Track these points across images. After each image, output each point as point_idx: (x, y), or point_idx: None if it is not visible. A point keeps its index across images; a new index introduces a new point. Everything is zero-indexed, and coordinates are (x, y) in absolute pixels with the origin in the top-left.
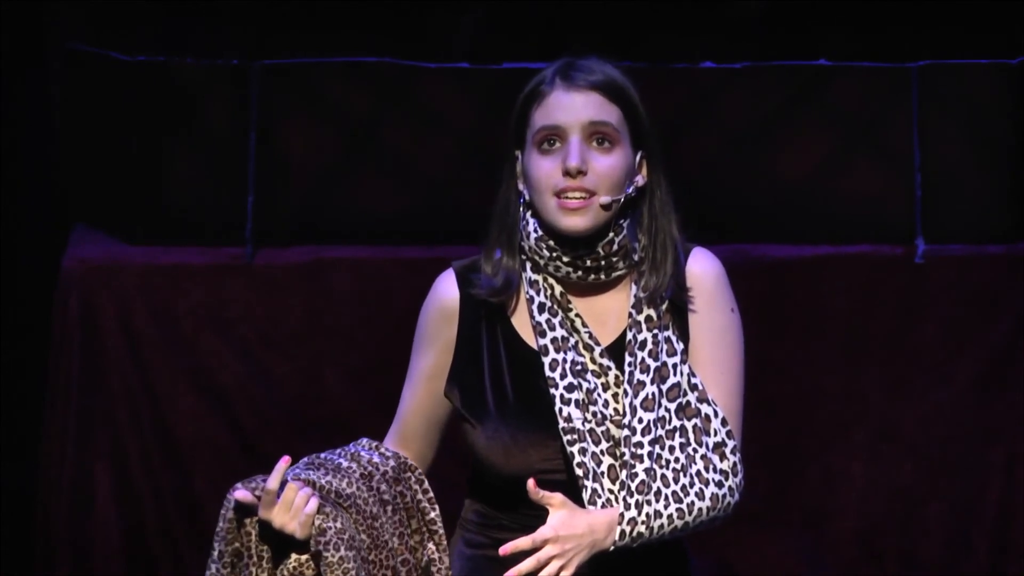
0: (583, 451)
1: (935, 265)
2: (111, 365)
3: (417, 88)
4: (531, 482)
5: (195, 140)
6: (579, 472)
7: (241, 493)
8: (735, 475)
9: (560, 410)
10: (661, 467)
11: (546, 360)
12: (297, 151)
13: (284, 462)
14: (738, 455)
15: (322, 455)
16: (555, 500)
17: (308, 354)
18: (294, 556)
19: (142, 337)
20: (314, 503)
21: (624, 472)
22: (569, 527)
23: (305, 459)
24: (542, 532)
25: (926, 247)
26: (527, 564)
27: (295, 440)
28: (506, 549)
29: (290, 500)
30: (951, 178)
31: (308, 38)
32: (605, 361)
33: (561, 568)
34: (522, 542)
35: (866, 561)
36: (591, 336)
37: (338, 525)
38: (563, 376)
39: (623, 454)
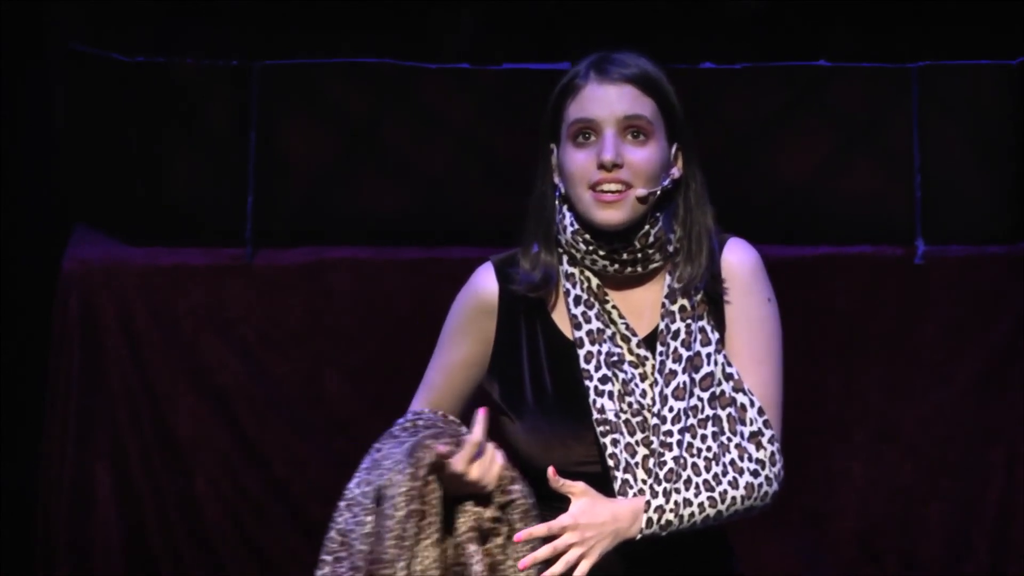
0: (615, 442)
1: (935, 266)
2: (111, 365)
3: (417, 88)
4: (551, 470)
5: (195, 140)
6: (610, 463)
7: (445, 448)
8: (773, 464)
9: (594, 401)
10: (692, 456)
11: (581, 352)
12: (297, 152)
13: (484, 412)
14: (776, 445)
15: (420, 421)
16: (576, 489)
17: (308, 354)
18: (471, 509)
19: (142, 337)
20: (500, 455)
21: (652, 460)
22: (590, 515)
23: (400, 422)
24: (560, 520)
25: (926, 248)
26: (543, 551)
27: (295, 440)
28: (521, 536)
29: (485, 452)
30: (951, 179)
31: (308, 38)
32: (642, 351)
33: (581, 556)
34: (538, 529)
35: (866, 561)
36: (628, 327)
37: (518, 474)
38: (598, 368)
39: (651, 442)
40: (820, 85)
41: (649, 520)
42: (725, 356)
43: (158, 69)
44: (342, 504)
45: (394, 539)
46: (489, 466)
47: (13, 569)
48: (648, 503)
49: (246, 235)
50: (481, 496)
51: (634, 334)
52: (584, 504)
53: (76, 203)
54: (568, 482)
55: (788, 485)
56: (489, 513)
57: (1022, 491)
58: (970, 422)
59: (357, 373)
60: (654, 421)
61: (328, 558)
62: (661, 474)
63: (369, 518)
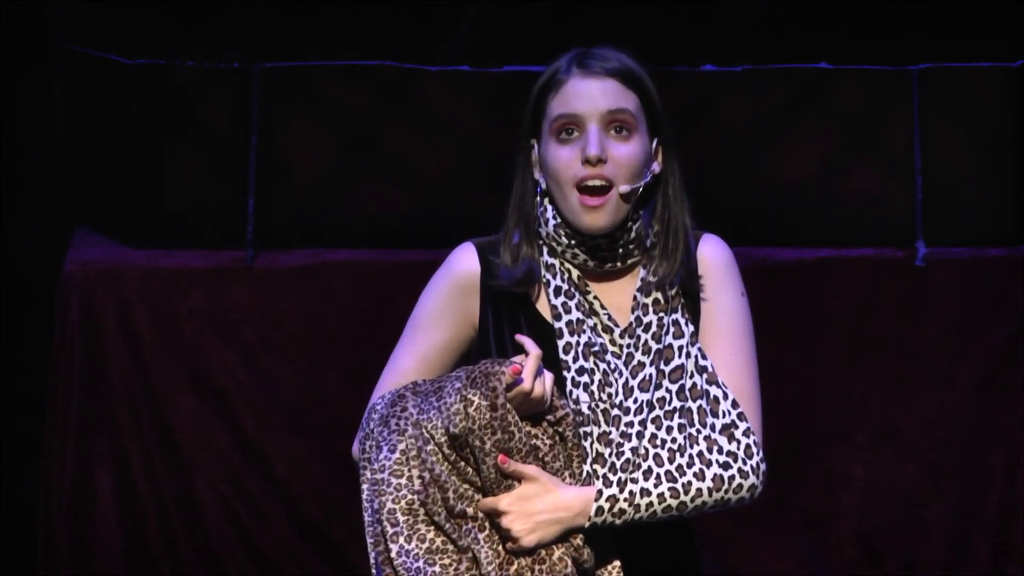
0: (586, 434)
1: (936, 268)
2: (112, 368)
3: (417, 91)
4: (501, 457)
5: (196, 143)
6: (575, 453)
7: (518, 365)
8: (749, 457)
9: (570, 392)
10: (655, 447)
11: (560, 343)
12: (298, 154)
13: (520, 336)
14: (752, 437)
15: (411, 386)
16: (527, 472)
17: (309, 357)
18: (530, 431)
19: (143, 340)
20: (549, 374)
21: (609, 450)
22: (528, 503)
23: (387, 396)
24: (494, 500)
25: (927, 250)
26: None
27: (295, 443)
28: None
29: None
30: (952, 181)
31: (308, 40)
32: (624, 342)
33: (515, 541)
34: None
35: (867, 563)
36: (610, 318)
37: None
38: (575, 359)
39: (608, 432)
40: (821, 87)
41: (599, 509)
42: (700, 349)
43: (159, 71)
44: (384, 475)
45: (489, 469)
46: (544, 383)
47: (14, 570)
48: (600, 492)
49: (247, 237)
50: (534, 417)
51: (616, 325)
52: (526, 490)
53: (77, 205)
54: (520, 466)
55: (789, 487)
56: (543, 432)
57: (1023, 493)
58: (971, 424)
59: (357, 376)
60: (615, 412)
61: (401, 518)
62: (618, 464)
63: (438, 458)
